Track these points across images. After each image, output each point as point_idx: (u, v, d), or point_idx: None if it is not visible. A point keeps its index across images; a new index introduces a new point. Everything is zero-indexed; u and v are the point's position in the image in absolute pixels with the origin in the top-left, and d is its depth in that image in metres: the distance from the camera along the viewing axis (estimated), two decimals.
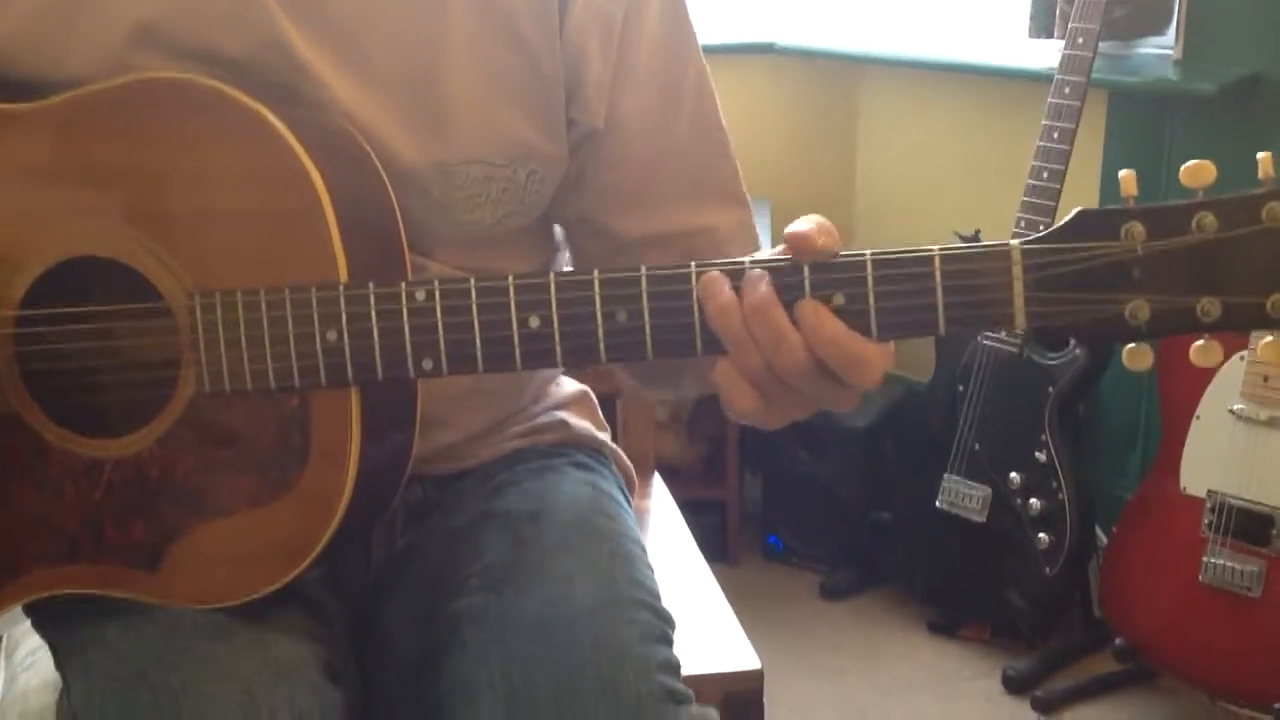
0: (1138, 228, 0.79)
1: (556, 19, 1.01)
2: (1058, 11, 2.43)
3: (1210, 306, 0.78)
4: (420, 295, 0.87)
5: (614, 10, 1.02)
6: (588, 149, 1.05)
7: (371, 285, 0.88)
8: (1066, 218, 0.81)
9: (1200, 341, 0.81)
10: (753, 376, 0.83)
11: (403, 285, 0.87)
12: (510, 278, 0.86)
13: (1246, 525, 2.05)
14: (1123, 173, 0.80)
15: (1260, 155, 0.78)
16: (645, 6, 1.04)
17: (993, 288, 0.80)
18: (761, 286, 0.81)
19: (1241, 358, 2.03)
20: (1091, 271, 0.79)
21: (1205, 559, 2.08)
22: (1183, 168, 0.79)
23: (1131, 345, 0.81)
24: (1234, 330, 0.80)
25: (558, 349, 0.86)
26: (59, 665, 1.00)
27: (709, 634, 1.30)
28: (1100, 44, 2.16)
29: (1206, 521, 2.08)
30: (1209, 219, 0.78)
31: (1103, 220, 0.79)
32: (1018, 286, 0.80)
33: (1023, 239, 0.81)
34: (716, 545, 2.71)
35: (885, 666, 2.43)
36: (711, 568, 1.45)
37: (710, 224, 1.07)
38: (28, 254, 0.93)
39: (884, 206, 2.95)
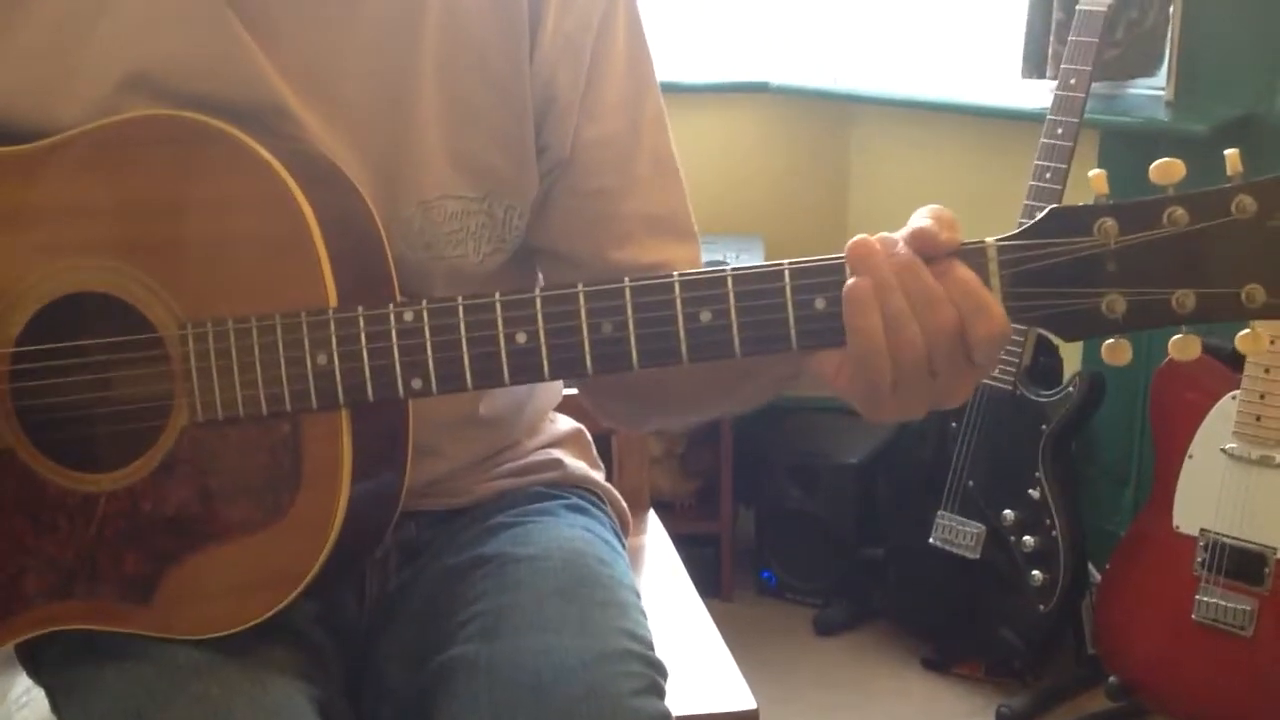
0: (1110, 223, 0.80)
1: (527, 49, 1.02)
2: (1050, 52, 2.44)
3: (1185, 298, 0.80)
4: (409, 316, 0.88)
5: (584, 39, 1.03)
6: (553, 177, 1.06)
7: (360, 308, 0.89)
8: (1040, 215, 0.82)
9: (1178, 335, 0.82)
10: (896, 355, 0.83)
11: (391, 306, 0.89)
12: (497, 294, 0.87)
13: (1239, 564, 2.05)
14: (1093, 172, 0.82)
15: (1228, 152, 0.80)
16: (613, 36, 1.05)
17: None
18: (922, 267, 0.82)
19: (1233, 397, 2.04)
20: (1067, 266, 0.81)
21: (1198, 597, 2.08)
22: (1153, 165, 0.80)
23: (1110, 341, 0.83)
24: (1209, 321, 0.81)
25: (545, 363, 0.87)
26: (55, 708, 1.01)
27: (704, 674, 1.30)
28: (1092, 84, 2.18)
29: (1199, 560, 2.09)
30: (1180, 213, 0.79)
31: (1076, 217, 0.81)
32: (995, 282, 0.82)
33: (998, 237, 0.83)
34: (710, 580, 2.70)
35: (879, 703, 2.43)
36: (704, 602, 1.45)
37: (665, 260, 1.07)
38: (23, 292, 0.94)
39: None
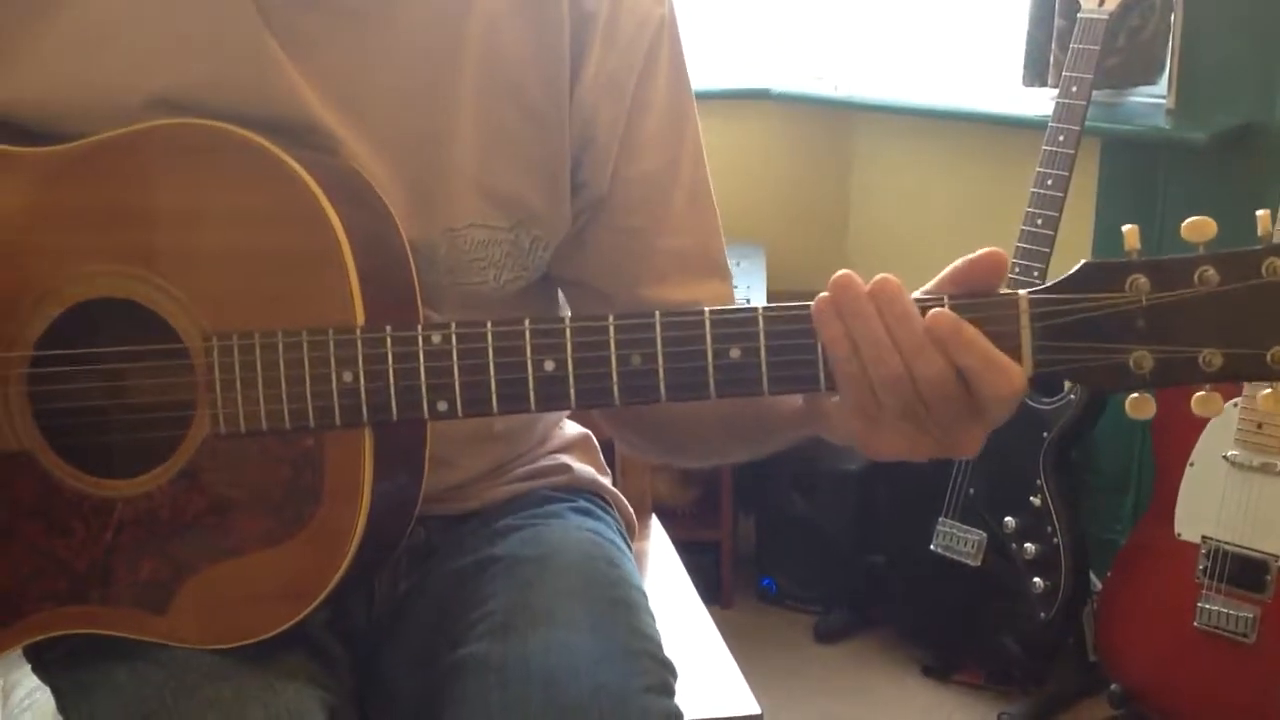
0: (1142, 280, 0.81)
1: (567, 85, 1.01)
2: (1051, 60, 2.45)
3: (1212, 357, 0.80)
4: (436, 339, 0.88)
5: (626, 79, 1.03)
6: (590, 213, 1.06)
7: (389, 328, 0.89)
8: (1073, 269, 0.83)
9: (1202, 392, 0.83)
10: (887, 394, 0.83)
11: (419, 328, 0.88)
12: (526, 321, 0.87)
13: (1241, 571, 2.05)
14: (1126, 227, 0.82)
15: (1260, 213, 0.81)
16: (656, 74, 1.05)
17: (1002, 335, 0.82)
18: (904, 296, 0.82)
19: (1235, 404, 2.04)
20: (1097, 321, 0.81)
21: (1200, 605, 2.08)
22: (1184, 224, 0.81)
23: (1134, 395, 0.83)
24: (1235, 381, 0.81)
25: (572, 391, 0.87)
26: (63, 709, 1.00)
27: (708, 678, 1.31)
28: (1093, 92, 2.18)
29: (1201, 567, 2.09)
30: (1210, 273, 0.80)
31: (1108, 272, 0.81)
32: (1025, 335, 0.82)
33: (1031, 289, 0.83)
34: (710, 587, 2.70)
35: (879, 711, 2.43)
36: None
37: (696, 298, 1.07)
38: (46, 295, 0.94)
39: (877, 253, 2.96)
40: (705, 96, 2.89)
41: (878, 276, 0.83)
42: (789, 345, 0.85)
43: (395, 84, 0.99)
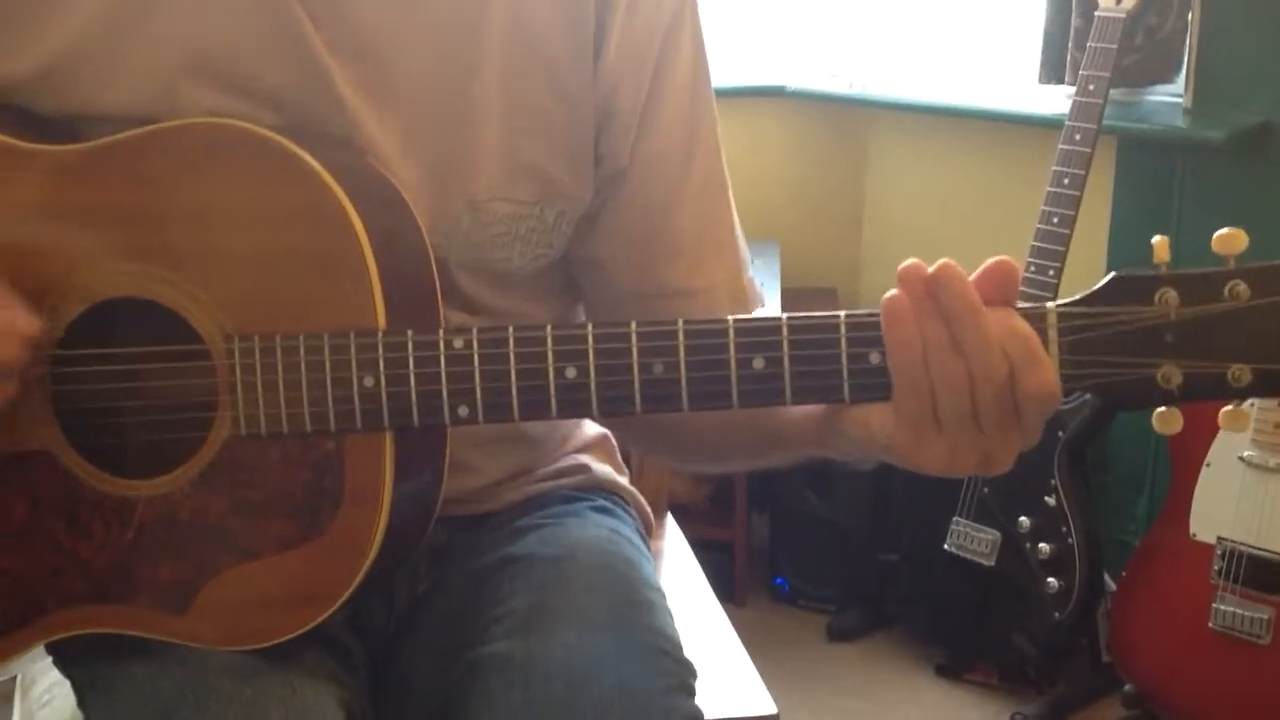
0: (1171, 294, 0.80)
1: (591, 57, 1.01)
2: (1068, 58, 2.45)
3: (1241, 373, 0.79)
4: (458, 344, 0.88)
5: (648, 52, 1.03)
6: (608, 188, 1.06)
7: (410, 333, 0.88)
8: (1102, 282, 0.82)
9: (1229, 406, 0.82)
10: (934, 396, 0.82)
11: (441, 333, 0.88)
12: (548, 328, 0.87)
13: (1256, 572, 2.05)
14: (1156, 239, 0.81)
15: None
16: (678, 49, 1.04)
17: None
18: (973, 289, 0.80)
19: (1251, 404, 2.02)
20: (1126, 336, 0.80)
21: (1215, 605, 2.08)
22: (1215, 236, 0.80)
23: (1162, 409, 0.82)
24: (1265, 397, 0.81)
25: (593, 399, 0.87)
26: (83, 703, 1.00)
27: (724, 677, 1.31)
28: (1110, 91, 2.18)
29: (1216, 568, 2.09)
30: (1241, 288, 0.79)
31: (1137, 286, 0.80)
32: (1053, 349, 0.81)
33: (1059, 302, 0.82)
34: (724, 586, 2.70)
35: (892, 710, 2.43)
36: None
37: (706, 285, 1.07)
38: (68, 294, 0.93)
39: (891, 250, 2.96)
40: (721, 94, 2.88)
41: (940, 261, 0.81)
42: (813, 355, 0.84)
43: (419, 51, 0.98)
